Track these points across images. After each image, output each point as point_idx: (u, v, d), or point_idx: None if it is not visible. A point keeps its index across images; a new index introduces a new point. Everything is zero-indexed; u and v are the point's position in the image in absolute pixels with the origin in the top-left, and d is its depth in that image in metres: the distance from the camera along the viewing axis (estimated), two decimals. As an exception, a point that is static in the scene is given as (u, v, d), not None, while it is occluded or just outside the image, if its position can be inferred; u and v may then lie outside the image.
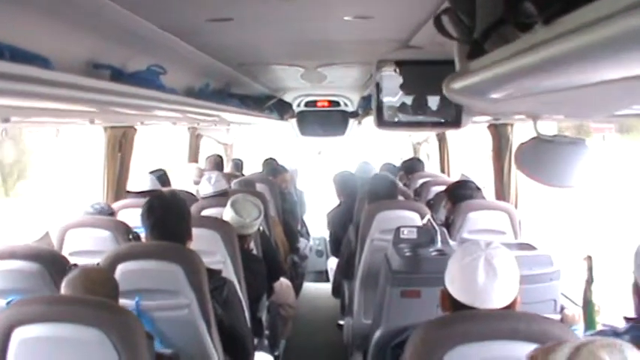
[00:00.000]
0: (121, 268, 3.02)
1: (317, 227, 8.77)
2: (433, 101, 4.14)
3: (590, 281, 3.25)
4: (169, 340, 3.06)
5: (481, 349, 2.00)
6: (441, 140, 7.82)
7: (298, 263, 7.21)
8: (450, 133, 7.75)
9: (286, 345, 6.32)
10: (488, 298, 2.16)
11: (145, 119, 4.38)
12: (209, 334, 3.17)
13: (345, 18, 3.23)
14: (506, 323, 2.03)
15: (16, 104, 2.17)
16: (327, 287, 7.12)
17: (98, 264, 3.08)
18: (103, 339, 2.20)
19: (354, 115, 8.45)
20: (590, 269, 3.24)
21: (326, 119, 8.93)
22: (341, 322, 5.78)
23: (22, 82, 1.74)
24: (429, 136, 8.50)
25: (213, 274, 3.32)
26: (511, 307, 2.24)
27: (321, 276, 8.72)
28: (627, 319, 2.26)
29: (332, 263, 6.77)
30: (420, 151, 8.97)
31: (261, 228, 4.94)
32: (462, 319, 2.13)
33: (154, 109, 3.16)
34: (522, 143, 3.22)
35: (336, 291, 6.19)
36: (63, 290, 2.55)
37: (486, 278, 2.17)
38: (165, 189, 5.38)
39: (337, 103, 8.80)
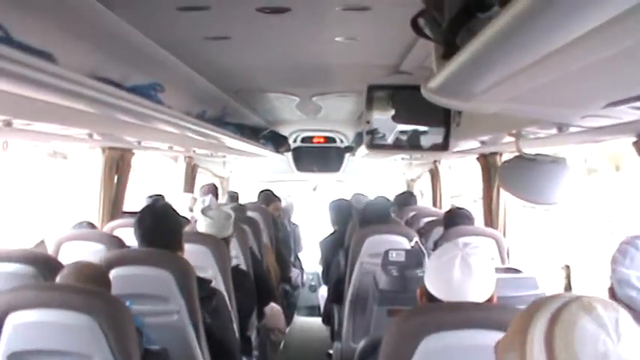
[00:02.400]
0: (112, 274, 3.08)
1: (311, 262, 8.81)
2: (422, 126, 4.28)
3: (568, 289, 3.33)
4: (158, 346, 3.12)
5: (455, 337, 2.07)
6: (434, 176, 7.93)
7: (290, 292, 7.26)
8: (444, 172, 7.88)
9: (276, 372, 6.36)
10: (464, 295, 2.24)
11: (143, 136, 4.47)
12: (197, 341, 3.24)
13: (337, 39, 3.36)
14: (480, 313, 2.11)
15: (21, 103, 2.24)
16: (318, 320, 7.17)
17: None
18: (93, 325, 2.28)
19: (349, 149, 8.55)
20: (568, 277, 3.32)
21: (322, 156, 9.00)
22: (331, 352, 5.81)
23: (31, 69, 1.84)
24: (422, 173, 8.62)
25: (203, 283, 3.39)
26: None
27: (314, 311, 8.73)
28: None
29: (323, 291, 6.83)
30: (414, 187, 9.06)
31: (254, 246, 5.03)
32: (437, 309, 2.21)
33: (152, 119, 3.25)
34: (505, 161, 3.33)
35: (327, 318, 6.23)
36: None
37: (462, 275, 2.25)
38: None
39: (333, 140, 8.88)
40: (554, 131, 2.78)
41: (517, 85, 1.70)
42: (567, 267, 3.32)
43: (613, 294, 2.45)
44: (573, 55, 1.29)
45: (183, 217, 5.64)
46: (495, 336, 2.08)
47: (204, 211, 4.37)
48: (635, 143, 2.79)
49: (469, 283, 2.25)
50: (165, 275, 3.15)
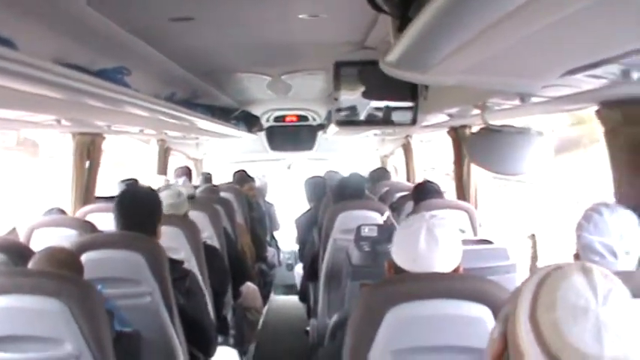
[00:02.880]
0: (84, 258, 3.08)
1: (288, 241, 8.86)
2: (390, 101, 4.30)
3: (534, 257, 3.39)
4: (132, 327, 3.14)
5: (420, 307, 2.11)
6: (407, 150, 7.98)
7: (266, 272, 7.29)
8: (417, 146, 7.93)
9: (255, 351, 6.40)
10: (429, 265, 2.28)
11: (112, 120, 4.45)
12: (171, 322, 3.26)
13: (300, 16, 3.35)
14: (443, 283, 2.15)
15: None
16: (296, 299, 7.22)
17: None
18: (64, 310, 2.28)
19: (322, 127, 8.57)
20: (534, 246, 3.38)
21: (295, 134, 9.02)
22: (308, 329, 5.85)
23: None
24: (395, 148, 8.67)
25: (176, 264, 3.41)
26: (453, 274, 2.36)
27: (291, 289, 8.77)
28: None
29: (299, 269, 6.86)
30: (388, 163, 9.12)
31: (227, 227, 5.04)
32: (403, 280, 2.24)
33: (120, 103, 3.24)
34: (472, 133, 3.36)
35: (303, 295, 6.27)
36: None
37: (427, 246, 2.28)
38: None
39: (305, 118, 8.91)
40: (517, 102, 2.80)
41: (472, 55, 1.72)
42: (533, 236, 3.38)
43: (578, 260, 2.50)
44: (524, 22, 1.31)
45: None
46: (460, 305, 2.14)
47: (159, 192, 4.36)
48: (597, 112, 2.83)
49: (434, 253, 2.29)
50: (137, 258, 3.16)
